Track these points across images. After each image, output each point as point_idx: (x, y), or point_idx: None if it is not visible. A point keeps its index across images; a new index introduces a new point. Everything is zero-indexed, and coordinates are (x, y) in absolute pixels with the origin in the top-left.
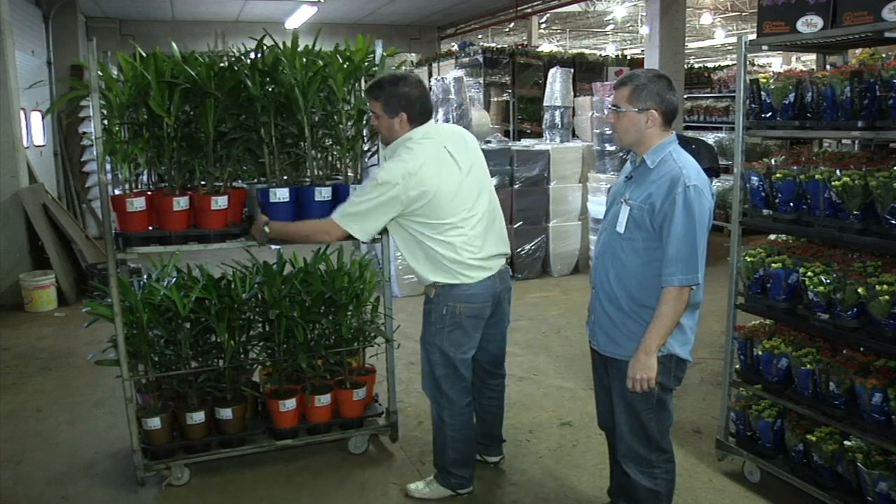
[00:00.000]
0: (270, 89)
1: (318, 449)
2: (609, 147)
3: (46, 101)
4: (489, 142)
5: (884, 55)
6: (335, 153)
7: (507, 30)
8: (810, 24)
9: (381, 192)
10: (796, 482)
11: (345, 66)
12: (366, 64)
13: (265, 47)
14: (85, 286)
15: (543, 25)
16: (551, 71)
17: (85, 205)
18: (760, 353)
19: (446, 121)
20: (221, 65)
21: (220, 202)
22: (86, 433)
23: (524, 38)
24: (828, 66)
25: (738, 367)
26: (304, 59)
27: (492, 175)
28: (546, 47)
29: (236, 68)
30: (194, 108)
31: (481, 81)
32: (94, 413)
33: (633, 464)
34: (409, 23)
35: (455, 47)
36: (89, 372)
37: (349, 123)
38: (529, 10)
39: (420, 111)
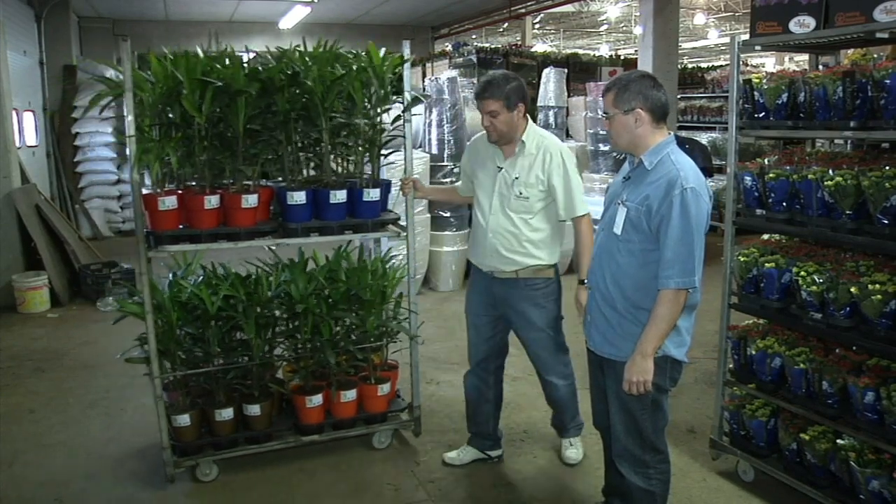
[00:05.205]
0: (294, 91)
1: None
2: (603, 147)
3: (38, 101)
4: None
5: (875, 55)
6: (354, 156)
7: (501, 30)
8: (803, 25)
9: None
10: (790, 481)
11: (365, 72)
12: (390, 76)
13: (295, 49)
14: (78, 287)
15: (537, 25)
16: (545, 71)
17: (78, 205)
18: (754, 352)
19: (440, 121)
20: (255, 66)
21: (251, 200)
22: (79, 435)
23: (518, 39)
24: (820, 67)
25: (731, 366)
26: (324, 68)
27: None
28: (540, 47)
29: (262, 69)
30: (223, 107)
31: (475, 81)
32: (88, 414)
33: (628, 464)
34: (402, 23)
35: (449, 47)
36: (83, 373)
37: (367, 128)
38: (523, 11)
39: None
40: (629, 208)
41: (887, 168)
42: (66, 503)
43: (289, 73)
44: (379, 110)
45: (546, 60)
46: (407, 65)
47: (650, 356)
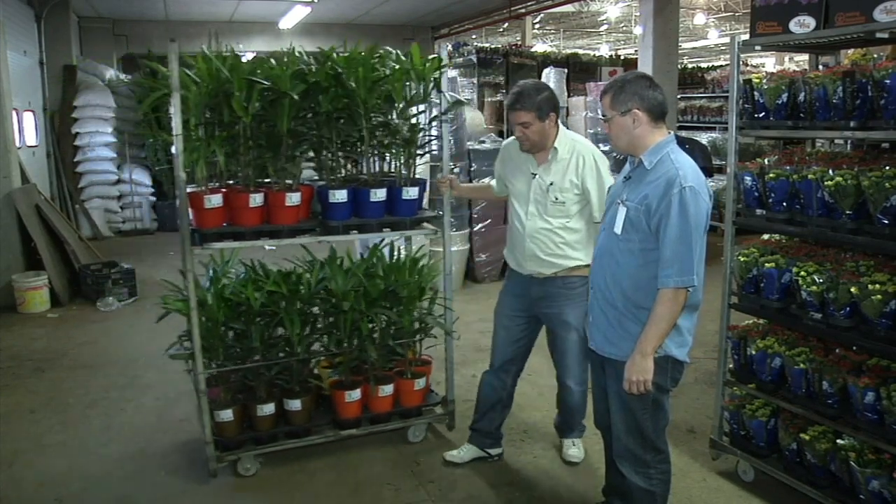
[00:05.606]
0: (336, 92)
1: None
2: (603, 147)
3: (38, 101)
4: (483, 142)
5: (875, 55)
6: (392, 155)
7: (501, 30)
8: (803, 25)
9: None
10: (790, 481)
11: (407, 74)
12: (434, 78)
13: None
14: (78, 287)
15: (537, 25)
16: (545, 71)
17: (78, 205)
18: (754, 352)
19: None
20: (298, 67)
21: (294, 198)
22: (79, 435)
23: (518, 39)
24: (820, 67)
25: (731, 366)
26: (367, 69)
27: (486, 175)
28: (540, 47)
29: (307, 71)
30: (265, 106)
31: (475, 81)
32: (88, 414)
33: (629, 464)
34: (402, 23)
35: (449, 47)
36: (82, 373)
37: (405, 128)
38: (523, 11)
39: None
40: (629, 208)
41: (887, 168)
42: (66, 503)
43: (332, 74)
44: (414, 111)
45: (546, 60)
46: (445, 68)
47: (650, 355)
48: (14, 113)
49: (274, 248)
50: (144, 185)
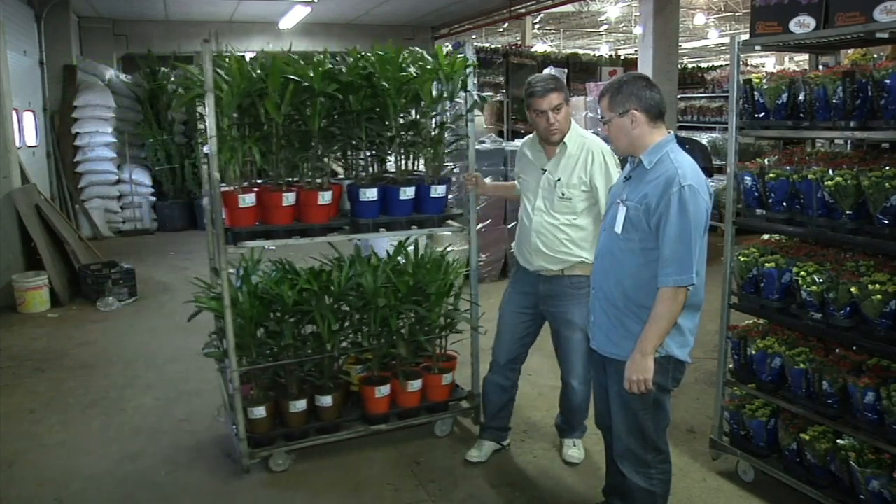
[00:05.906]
0: (366, 91)
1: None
2: None
3: (38, 101)
4: (483, 142)
5: (875, 55)
6: (420, 153)
7: (501, 30)
8: (803, 25)
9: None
10: (790, 481)
11: (436, 74)
12: (462, 78)
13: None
14: (78, 287)
15: (537, 25)
16: (545, 71)
17: (78, 205)
18: (754, 352)
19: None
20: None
21: (326, 197)
22: (79, 435)
23: (518, 39)
24: (820, 67)
25: (731, 366)
26: (396, 69)
27: (486, 175)
28: (540, 47)
29: (337, 71)
30: (298, 105)
31: (475, 82)
32: (88, 414)
33: (630, 464)
34: (402, 23)
35: (449, 47)
36: (82, 373)
37: (433, 126)
38: (523, 11)
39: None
40: (629, 207)
41: (887, 168)
42: (66, 503)
43: (363, 74)
44: (439, 108)
45: (546, 60)
46: (470, 67)
47: (650, 355)
48: (14, 113)
49: (274, 247)
50: (144, 185)
